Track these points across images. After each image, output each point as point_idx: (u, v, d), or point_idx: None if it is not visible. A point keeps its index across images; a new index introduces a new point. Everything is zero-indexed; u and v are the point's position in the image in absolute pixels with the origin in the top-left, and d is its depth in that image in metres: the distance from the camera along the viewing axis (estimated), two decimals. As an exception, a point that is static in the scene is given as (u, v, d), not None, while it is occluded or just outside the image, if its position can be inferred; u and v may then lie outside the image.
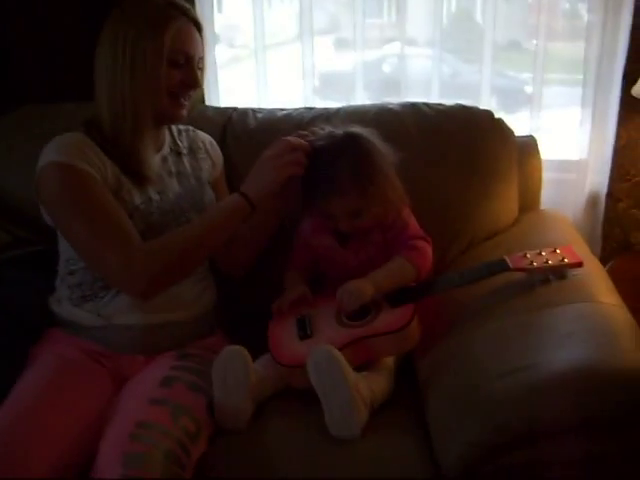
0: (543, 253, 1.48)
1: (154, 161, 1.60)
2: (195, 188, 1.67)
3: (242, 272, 1.79)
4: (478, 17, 2.17)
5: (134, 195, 1.53)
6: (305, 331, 1.51)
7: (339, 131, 1.57)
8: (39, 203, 1.52)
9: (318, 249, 1.66)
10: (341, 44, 2.25)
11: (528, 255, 1.49)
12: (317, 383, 1.35)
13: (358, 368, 1.43)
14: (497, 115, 1.88)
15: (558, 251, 1.49)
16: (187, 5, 1.56)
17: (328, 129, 1.59)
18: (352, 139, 1.54)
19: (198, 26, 1.56)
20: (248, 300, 1.81)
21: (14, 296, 1.60)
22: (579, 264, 1.47)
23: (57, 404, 1.38)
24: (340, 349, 1.39)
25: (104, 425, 1.36)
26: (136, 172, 1.54)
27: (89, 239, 1.43)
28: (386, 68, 2.27)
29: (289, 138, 1.55)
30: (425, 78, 2.17)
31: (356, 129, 1.58)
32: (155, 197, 1.57)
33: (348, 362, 1.37)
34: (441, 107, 1.88)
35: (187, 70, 1.54)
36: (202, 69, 1.59)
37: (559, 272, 1.47)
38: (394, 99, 2.03)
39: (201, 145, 1.77)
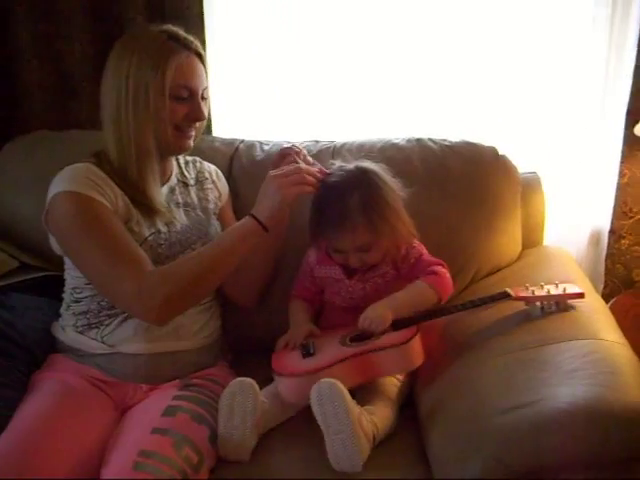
0: (545, 286, 1.50)
1: (161, 193, 1.61)
2: (202, 220, 1.67)
3: (254, 300, 1.78)
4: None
5: (143, 226, 1.54)
6: (308, 351, 1.51)
7: (350, 166, 1.57)
8: (48, 232, 1.53)
9: (324, 279, 1.66)
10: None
11: (530, 288, 1.51)
12: (320, 417, 1.34)
13: (361, 397, 1.43)
14: (501, 151, 1.89)
15: (560, 285, 1.50)
16: (189, 37, 1.55)
17: (338, 163, 1.60)
18: (363, 174, 1.54)
19: (201, 57, 1.57)
20: (253, 332, 1.82)
21: (19, 321, 1.60)
22: (580, 295, 1.48)
23: (58, 430, 1.37)
24: (342, 361, 1.41)
25: (106, 453, 1.36)
26: (144, 204, 1.55)
27: (102, 266, 1.44)
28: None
29: (301, 165, 1.54)
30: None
31: (367, 164, 1.58)
32: (163, 229, 1.58)
33: (350, 379, 1.38)
34: (446, 142, 1.89)
35: (191, 104, 1.54)
36: (207, 99, 1.60)
37: (561, 302, 1.49)
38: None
39: (208, 176, 1.77)
